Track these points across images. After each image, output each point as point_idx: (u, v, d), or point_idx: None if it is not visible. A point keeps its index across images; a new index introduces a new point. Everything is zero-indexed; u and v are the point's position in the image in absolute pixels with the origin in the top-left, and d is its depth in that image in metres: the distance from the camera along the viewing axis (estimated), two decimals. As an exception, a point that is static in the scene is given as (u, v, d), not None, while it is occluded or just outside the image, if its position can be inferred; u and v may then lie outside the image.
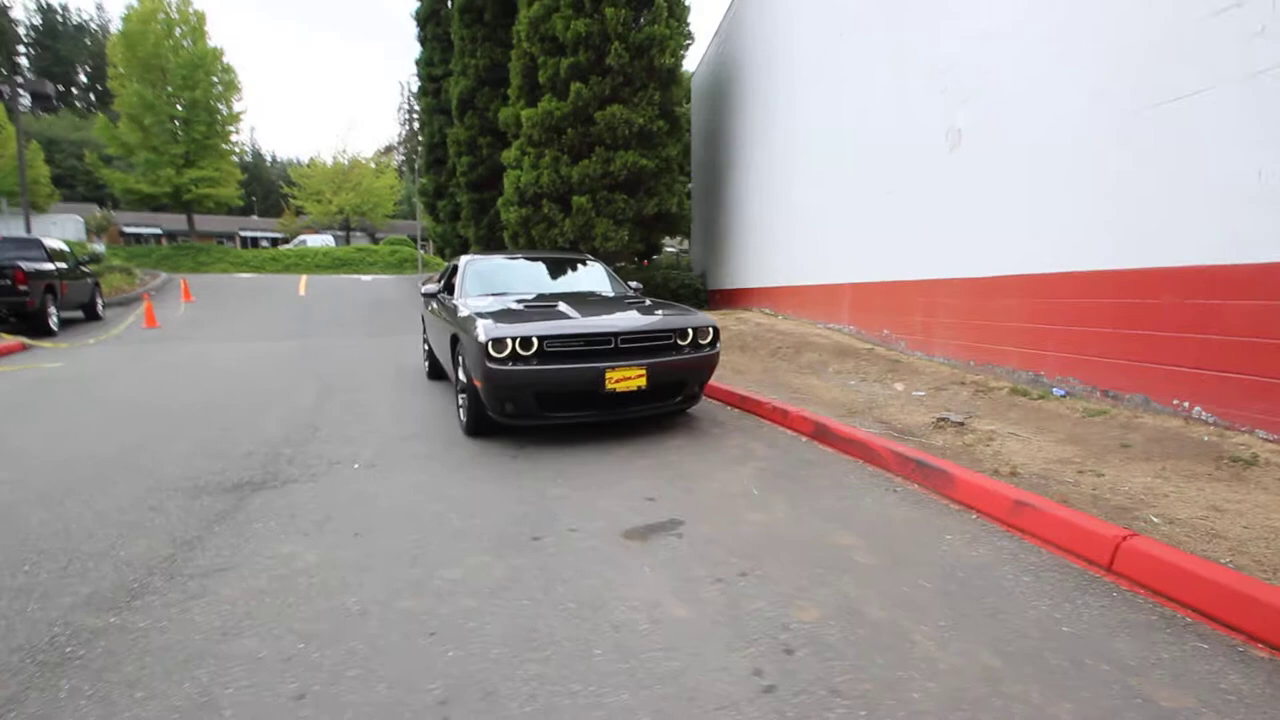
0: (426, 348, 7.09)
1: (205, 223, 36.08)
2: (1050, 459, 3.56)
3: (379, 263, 31.67)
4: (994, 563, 2.49)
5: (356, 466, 3.89)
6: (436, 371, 6.82)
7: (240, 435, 4.64)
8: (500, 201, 13.07)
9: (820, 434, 4.26)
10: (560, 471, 3.74)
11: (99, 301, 12.40)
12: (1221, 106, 3.63)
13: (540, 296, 5.16)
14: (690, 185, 15.57)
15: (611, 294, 5.58)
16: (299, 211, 37.98)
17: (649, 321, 4.42)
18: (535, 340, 4.07)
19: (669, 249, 21.98)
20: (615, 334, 4.22)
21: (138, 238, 38.77)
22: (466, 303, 5.00)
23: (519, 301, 4.86)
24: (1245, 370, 3.48)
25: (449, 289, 5.57)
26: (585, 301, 4.85)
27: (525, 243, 12.96)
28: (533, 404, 4.14)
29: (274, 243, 41.96)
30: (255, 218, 46.34)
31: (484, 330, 4.08)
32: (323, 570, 2.52)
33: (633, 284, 6.09)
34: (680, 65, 12.12)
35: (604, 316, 4.40)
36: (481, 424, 4.44)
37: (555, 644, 1.98)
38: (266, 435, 4.64)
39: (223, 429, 4.85)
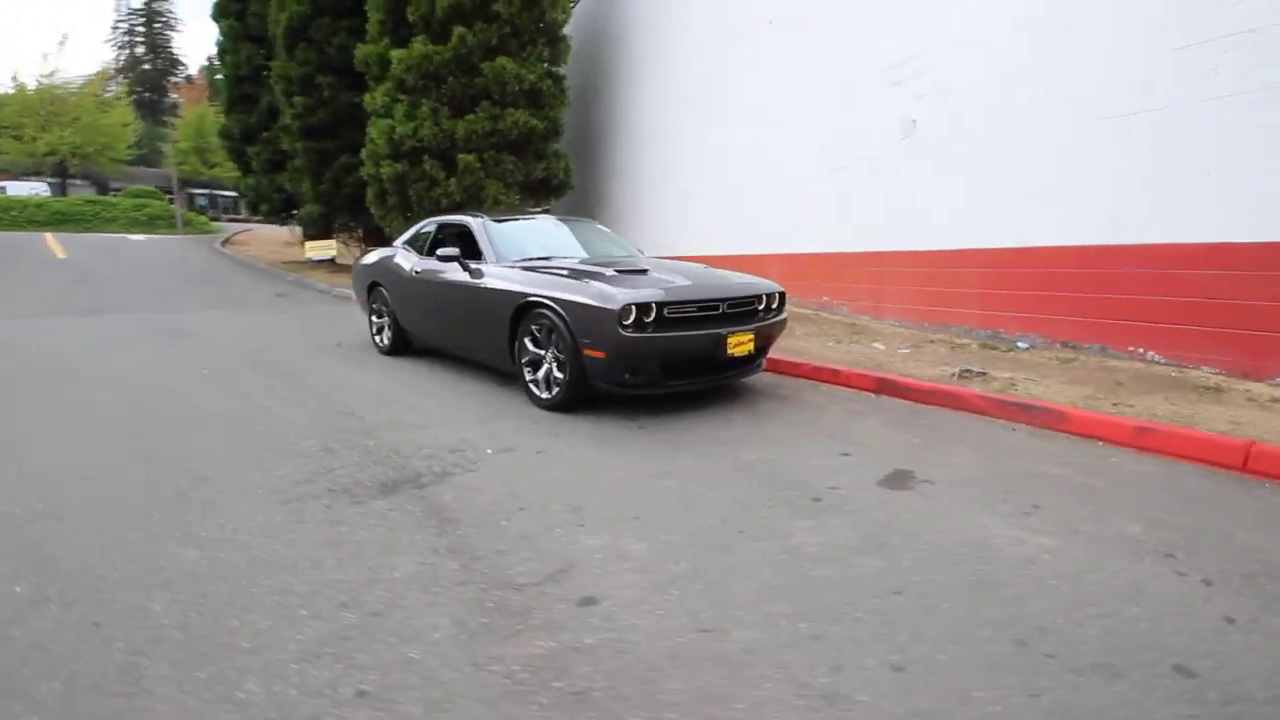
0: (381, 320, 6.23)
1: None
2: (1077, 396, 4.45)
3: (120, 219, 25.66)
4: (1170, 475, 3.16)
5: (490, 452, 3.45)
6: (401, 345, 6.03)
7: (267, 431, 3.76)
8: (365, 154, 11.53)
9: (886, 388, 4.76)
10: (709, 439, 3.71)
11: None
12: (1172, 124, 4.78)
13: (591, 259, 4.91)
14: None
15: (639, 256, 5.49)
16: (-17, 150, 28.75)
17: (742, 285, 4.49)
18: (654, 306, 3.94)
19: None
20: (724, 299, 4.24)
21: None
22: (521, 269, 4.57)
23: (594, 265, 4.57)
24: (1191, 323, 4.72)
25: (469, 254, 4.97)
26: (660, 266, 4.72)
27: (397, 203, 11.65)
28: (658, 371, 4.02)
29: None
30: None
31: (611, 297, 3.84)
32: (693, 554, 2.31)
33: (637, 247, 6.00)
34: (568, 22, 11.74)
35: (703, 280, 4.37)
36: (575, 397, 4.17)
37: (1009, 582, 2.14)
38: (303, 428, 3.83)
39: (228, 423, 3.87)
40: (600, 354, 3.90)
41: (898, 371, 5.15)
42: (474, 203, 11.30)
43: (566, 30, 11.86)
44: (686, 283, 4.24)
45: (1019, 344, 5.83)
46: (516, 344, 4.44)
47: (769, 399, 4.64)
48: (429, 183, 11.19)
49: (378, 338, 6.32)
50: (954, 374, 5.19)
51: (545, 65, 11.51)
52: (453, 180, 11.08)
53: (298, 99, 12.79)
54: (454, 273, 4.99)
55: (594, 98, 12.92)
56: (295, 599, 2.01)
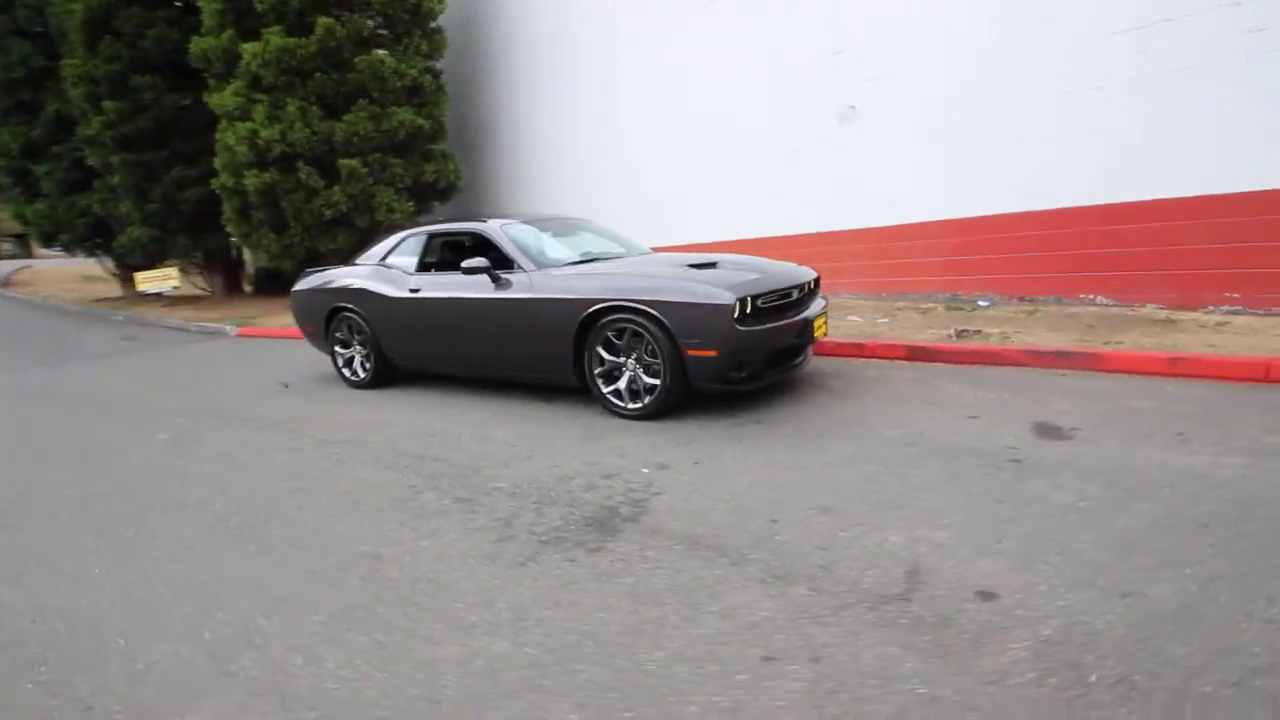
0: (349, 351, 5.43)
1: None
2: (1067, 340, 5.10)
3: None
4: (1222, 393, 3.73)
5: (646, 471, 3.17)
6: (383, 377, 5.30)
7: (359, 494, 3.14)
8: (220, 163, 9.89)
9: (919, 354, 5.09)
10: (833, 423, 3.73)
11: None
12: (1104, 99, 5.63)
13: (634, 256, 4.73)
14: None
15: (649, 250, 5.40)
16: None
17: (798, 271, 4.54)
18: (751, 299, 3.87)
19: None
20: (794, 285, 4.27)
21: None
22: (573, 275, 4.25)
23: (663, 263, 4.38)
24: (1134, 269, 5.61)
25: (500, 265, 4.47)
26: (721, 260, 4.60)
27: (266, 218, 10.15)
28: (762, 364, 3.94)
29: None
30: None
31: (719, 294, 3.70)
32: (995, 530, 2.30)
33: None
34: (443, 13, 10.91)
35: (767, 269, 4.34)
36: (674, 403, 3.98)
37: (1259, 501, 2.41)
38: (394, 482, 3.25)
39: (295, 490, 3.16)
40: (711, 353, 3.74)
41: (906, 338, 5.53)
42: (363, 213, 10.17)
43: (441, 20, 11.04)
44: (756, 274, 4.19)
45: (980, 302, 6.54)
46: (587, 354, 4.10)
47: (829, 378, 4.75)
48: (306, 193, 9.87)
49: (347, 370, 5.49)
50: (951, 334, 5.67)
51: (424, 59, 10.64)
52: (336, 189, 9.88)
53: (108, 103, 10.56)
54: (481, 287, 4.47)
55: (472, 94, 12.18)
56: (697, 668, 1.71)
